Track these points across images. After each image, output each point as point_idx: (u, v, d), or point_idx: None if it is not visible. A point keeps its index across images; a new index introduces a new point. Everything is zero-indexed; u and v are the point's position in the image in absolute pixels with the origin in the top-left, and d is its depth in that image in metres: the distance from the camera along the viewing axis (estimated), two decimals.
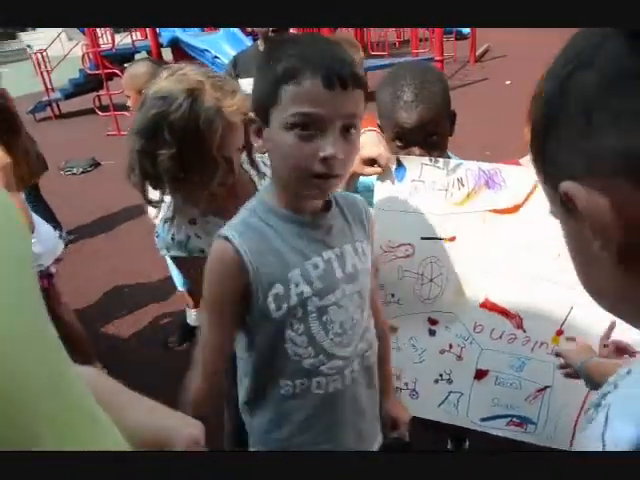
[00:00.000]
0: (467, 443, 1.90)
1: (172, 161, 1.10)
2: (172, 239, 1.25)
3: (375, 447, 1.14)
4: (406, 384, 1.32)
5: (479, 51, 9.18)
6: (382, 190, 1.26)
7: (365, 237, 1.04)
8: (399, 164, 1.24)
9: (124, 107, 7.53)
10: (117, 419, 0.50)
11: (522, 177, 1.20)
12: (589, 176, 0.37)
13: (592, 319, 1.15)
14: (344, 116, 0.85)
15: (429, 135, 1.25)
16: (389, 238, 1.27)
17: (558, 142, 0.40)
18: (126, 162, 1.18)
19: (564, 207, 0.41)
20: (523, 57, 8.07)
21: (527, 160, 1.25)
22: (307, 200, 0.94)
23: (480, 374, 1.27)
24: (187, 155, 1.11)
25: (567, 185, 0.38)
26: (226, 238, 0.91)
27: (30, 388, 0.33)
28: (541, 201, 1.18)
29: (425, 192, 1.24)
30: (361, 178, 1.32)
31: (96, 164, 6.13)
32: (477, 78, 7.00)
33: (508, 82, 7.00)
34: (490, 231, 1.22)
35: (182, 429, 0.62)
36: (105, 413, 0.47)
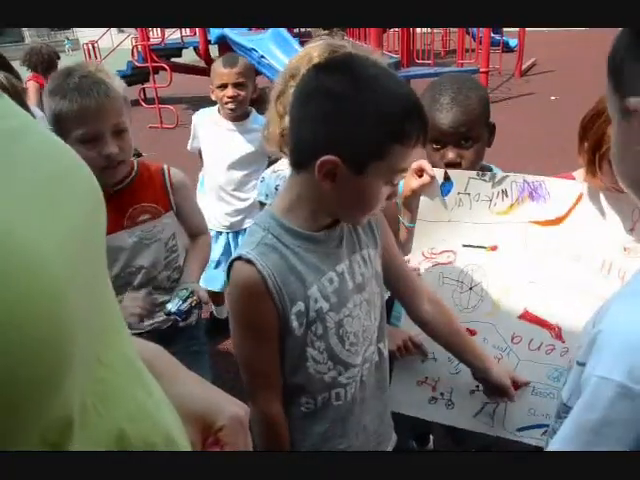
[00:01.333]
0: (431, 443, 1.90)
1: None
2: (276, 188, 1.40)
3: (390, 447, 1.16)
4: (442, 394, 1.33)
5: (525, 65, 9.04)
6: (427, 203, 1.29)
7: (372, 242, 1.05)
8: (446, 179, 1.27)
9: (168, 100, 7.69)
10: (170, 389, 0.53)
11: (566, 190, 1.21)
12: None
13: None
14: None
15: (464, 138, 1.29)
16: (432, 245, 1.30)
17: (631, 65, 0.54)
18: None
19: (623, 113, 0.57)
20: (570, 73, 7.92)
21: (580, 173, 1.23)
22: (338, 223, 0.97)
23: (517, 385, 1.26)
24: None
25: (633, 100, 0.55)
26: (249, 261, 0.90)
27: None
28: (583, 214, 1.19)
29: (469, 203, 1.27)
30: None
31: (138, 154, 6.26)
32: (522, 92, 6.90)
33: (553, 98, 6.88)
34: (532, 242, 1.23)
35: (228, 406, 0.63)
36: (158, 385, 0.49)
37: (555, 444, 0.54)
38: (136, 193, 1.42)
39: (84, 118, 1.25)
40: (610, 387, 0.48)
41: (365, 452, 1.07)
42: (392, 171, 0.88)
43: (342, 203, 0.91)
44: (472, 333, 1.29)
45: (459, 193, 1.27)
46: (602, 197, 1.18)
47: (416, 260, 1.31)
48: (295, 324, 0.93)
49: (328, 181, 0.86)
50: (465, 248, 1.28)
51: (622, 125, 0.59)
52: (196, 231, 1.55)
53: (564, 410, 0.58)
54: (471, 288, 1.29)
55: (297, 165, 0.92)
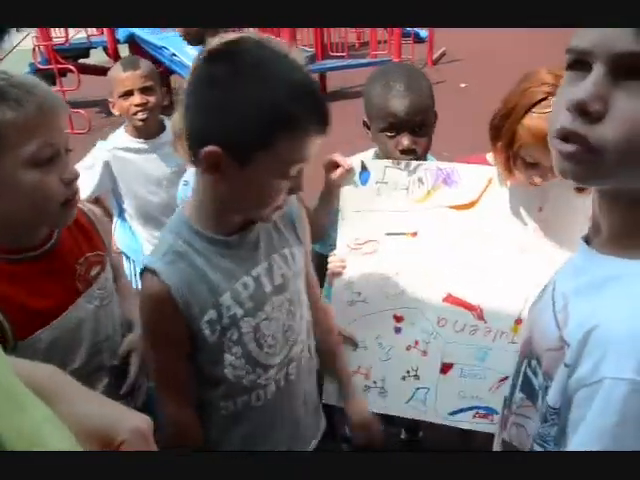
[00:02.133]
0: (421, 433, 1.97)
1: None
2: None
3: (319, 436, 1.16)
4: (375, 382, 1.35)
5: (436, 54, 9.36)
6: (348, 193, 1.31)
7: (295, 240, 1.03)
8: (363, 168, 1.29)
9: (79, 104, 7.33)
10: (67, 409, 0.52)
11: (476, 175, 1.26)
12: None
13: None
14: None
15: (418, 125, 1.31)
16: (356, 236, 1.32)
17: None
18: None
19: None
20: (478, 61, 8.29)
21: (492, 156, 1.30)
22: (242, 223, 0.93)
23: (445, 368, 1.31)
24: None
25: None
26: (154, 272, 0.87)
27: None
28: (494, 197, 1.25)
29: (388, 192, 1.29)
30: None
31: None
32: (434, 80, 7.15)
33: (463, 85, 7.18)
34: (449, 226, 1.28)
35: (128, 420, 0.61)
36: (45, 405, 0.48)
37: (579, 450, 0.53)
38: (75, 241, 1.06)
39: (33, 130, 0.87)
40: (622, 386, 0.48)
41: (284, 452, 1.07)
42: (283, 163, 0.82)
43: (234, 197, 0.86)
44: (399, 319, 1.33)
45: (377, 182, 1.29)
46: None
47: (342, 252, 1.33)
48: (207, 332, 0.91)
49: (216, 174, 0.82)
50: (388, 236, 1.31)
51: None
52: (117, 272, 1.22)
53: (552, 413, 0.57)
54: (397, 274, 1.32)
55: (191, 157, 0.87)
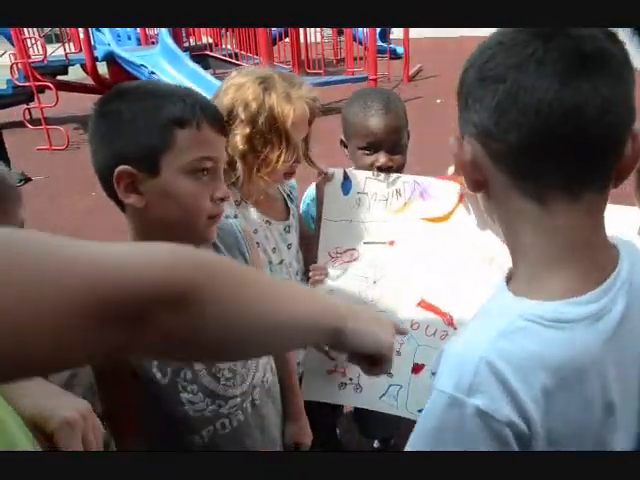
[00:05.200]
0: (393, 441, 2.03)
1: (244, 139, 1.19)
2: None
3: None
4: (351, 379, 1.41)
5: (412, 71, 9.54)
6: (330, 203, 1.39)
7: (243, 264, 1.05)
8: (346, 178, 1.38)
9: (57, 121, 7.30)
10: (16, 400, 0.56)
11: (449, 190, 1.35)
12: (465, 134, 0.61)
13: None
14: (223, 158, 0.93)
15: (394, 143, 1.40)
16: (336, 245, 1.40)
17: (459, 110, 0.62)
18: None
19: None
20: (453, 78, 8.47)
21: (451, 170, 1.36)
22: (197, 244, 0.94)
23: (417, 368, 1.38)
24: (260, 135, 1.19)
25: (450, 140, 0.63)
26: None
27: None
28: (465, 212, 1.31)
29: (368, 202, 1.38)
30: (308, 190, 1.48)
31: (27, 179, 5.90)
32: (410, 97, 7.29)
33: (439, 101, 7.33)
34: (425, 237, 1.36)
35: (58, 410, 0.63)
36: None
37: (407, 448, 0.60)
38: None
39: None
40: (443, 397, 0.56)
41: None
42: (189, 160, 0.86)
43: (163, 217, 0.88)
44: None
45: (358, 193, 1.38)
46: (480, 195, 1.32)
47: (323, 260, 1.40)
48: (159, 375, 0.93)
49: (134, 195, 0.85)
50: (366, 245, 1.39)
51: None
52: None
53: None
54: (375, 282, 1.39)
55: (115, 200, 0.89)
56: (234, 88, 1.22)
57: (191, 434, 0.99)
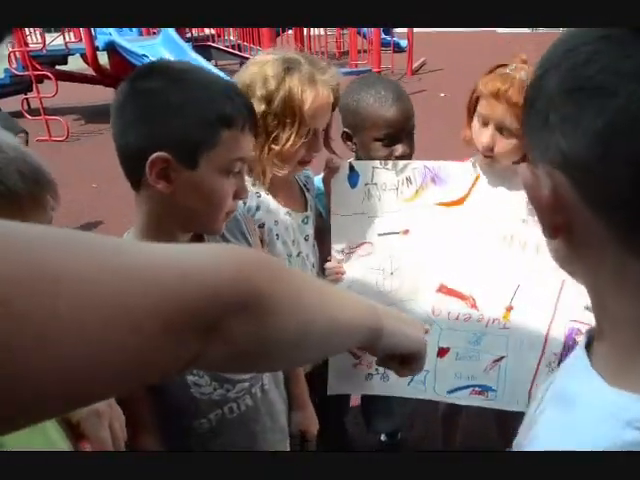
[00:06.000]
0: (399, 436, 2.03)
1: (261, 119, 1.13)
2: None
3: (287, 445, 1.19)
4: (377, 369, 1.40)
5: (416, 64, 9.48)
6: (338, 197, 1.35)
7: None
8: (352, 170, 1.33)
9: (56, 111, 7.24)
10: None
11: (463, 172, 1.31)
12: (543, 162, 0.44)
13: (537, 295, 1.29)
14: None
15: (409, 131, 1.36)
16: (349, 241, 1.37)
17: (530, 128, 0.45)
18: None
19: None
20: (457, 71, 8.41)
21: (475, 159, 1.32)
22: (207, 233, 0.97)
23: (442, 352, 1.38)
24: (274, 115, 1.15)
25: (521, 167, 0.46)
26: None
27: None
28: (482, 193, 1.28)
29: (378, 193, 1.34)
30: (315, 181, 1.43)
31: None
32: (414, 90, 7.22)
33: (443, 94, 7.27)
34: (440, 222, 1.33)
35: None
36: None
37: None
38: None
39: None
40: None
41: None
42: (227, 160, 0.87)
43: (186, 206, 0.88)
44: None
45: (366, 184, 1.33)
46: (497, 175, 1.29)
47: (337, 257, 1.36)
48: None
49: (164, 182, 0.84)
50: (381, 237, 1.36)
51: None
52: None
53: None
54: (392, 273, 1.36)
55: (132, 179, 0.88)
56: (257, 65, 1.18)
57: (198, 418, 0.98)
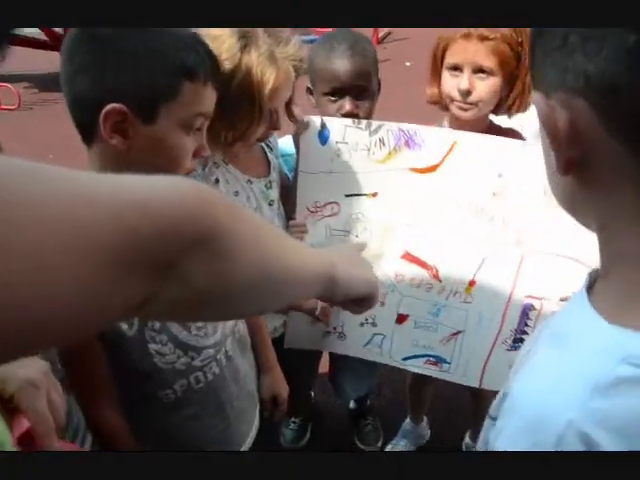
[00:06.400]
0: (368, 402, 2.01)
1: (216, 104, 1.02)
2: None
3: (257, 412, 1.19)
4: (334, 328, 1.40)
5: (381, 33, 9.38)
6: (306, 154, 1.30)
7: None
8: (323, 127, 1.28)
9: (6, 78, 6.88)
10: None
11: (439, 138, 1.28)
12: (558, 90, 0.40)
13: (499, 271, 1.27)
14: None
15: (361, 89, 1.30)
16: (315, 199, 1.32)
17: (542, 53, 0.42)
18: None
19: (540, 119, 0.42)
20: (422, 41, 8.38)
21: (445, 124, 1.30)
22: None
23: (401, 318, 1.36)
24: (232, 99, 1.02)
25: (535, 96, 0.42)
26: None
27: None
28: (456, 161, 1.27)
29: (348, 152, 1.30)
30: (280, 144, 1.38)
31: None
32: (380, 59, 7.18)
33: (408, 63, 7.23)
34: (409, 188, 1.30)
35: (17, 371, 0.60)
36: None
37: None
38: None
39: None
40: None
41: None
42: (188, 114, 0.82)
43: (143, 164, 0.79)
44: None
45: (337, 142, 1.29)
46: (473, 145, 1.26)
47: (302, 215, 1.32)
48: (125, 327, 0.88)
49: (119, 137, 0.78)
50: (348, 198, 1.32)
51: (543, 135, 0.46)
52: None
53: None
54: (357, 236, 1.33)
55: (83, 132, 0.82)
56: (209, 41, 1.04)
57: (164, 388, 0.95)
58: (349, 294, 0.67)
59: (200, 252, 0.40)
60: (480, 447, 0.52)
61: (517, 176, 1.23)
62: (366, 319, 1.37)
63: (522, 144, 1.26)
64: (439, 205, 1.28)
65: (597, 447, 0.37)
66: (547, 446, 0.39)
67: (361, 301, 0.71)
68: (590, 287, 0.45)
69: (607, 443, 0.37)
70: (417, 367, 1.40)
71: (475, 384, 1.36)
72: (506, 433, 0.43)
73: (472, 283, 1.30)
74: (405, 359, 1.39)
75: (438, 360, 1.38)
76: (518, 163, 1.22)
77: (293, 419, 1.94)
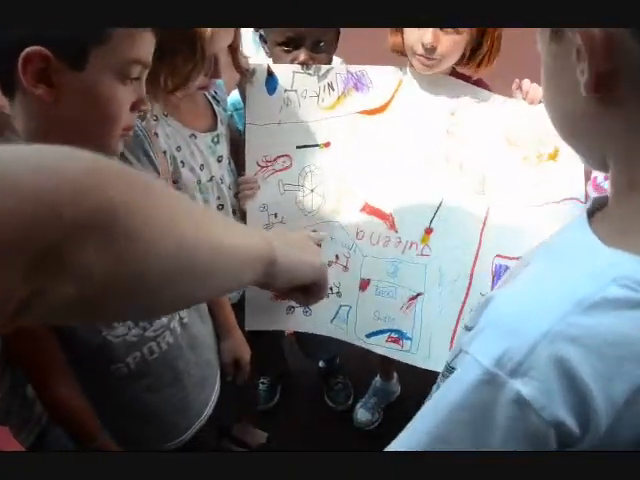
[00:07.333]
0: (337, 361, 1.94)
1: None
2: None
3: (217, 378, 1.15)
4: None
5: None
6: (254, 104, 1.23)
7: (156, 170, 0.96)
8: (270, 74, 1.21)
9: None
10: None
11: (386, 77, 1.21)
12: None
13: (460, 220, 1.19)
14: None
15: (317, 40, 1.22)
16: (264, 153, 1.25)
17: None
18: None
19: (554, 35, 0.42)
20: None
21: None
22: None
23: (364, 284, 1.27)
24: (170, 44, 0.93)
25: None
26: None
27: None
28: (405, 100, 1.20)
29: (297, 101, 1.23)
30: (230, 97, 1.30)
31: None
32: None
33: None
34: (362, 133, 1.23)
35: None
36: None
37: (416, 418, 0.46)
38: None
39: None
40: (476, 369, 0.41)
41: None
42: (121, 61, 0.72)
43: (73, 118, 0.72)
44: None
45: (286, 90, 1.22)
46: (421, 82, 1.20)
47: (252, 171, 1.26)
48: None
49: (44, 87, 0.68)
50: (299, 149, 1.25)
51: (553, 52, 0.45)
52: None
53: (447, 369, 0.49)
54: (312, 190, 1.26)
55: (3, 84, 0.71)
56: None
57: (116, 363, 0.91)
58: (292, 281, 0.61)
59: (92, 239, 0.34)
60: (450, 357, 0.49)
61: (472, 118, 1.16)
62: (331, 288, 1.27)
63: (478, 89, 1.19)
64: (391, 147, 1.21)
65: (568, 365, 0.37)
66: (518, 354, 0.39)
67: (308, 289, 0.65)
68: (591, 215, 0.45)
69: (578, 360, 0.37)
70: (380, 347, 1.28)
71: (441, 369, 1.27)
72: (481, 336, 0.43)
73: (428, 231, 1.21)
74: (369, 336, 1.28)
75: (399, 335, 1.26)
76: (472, 105, 1.15)
77: (262, 380, 1.92)
